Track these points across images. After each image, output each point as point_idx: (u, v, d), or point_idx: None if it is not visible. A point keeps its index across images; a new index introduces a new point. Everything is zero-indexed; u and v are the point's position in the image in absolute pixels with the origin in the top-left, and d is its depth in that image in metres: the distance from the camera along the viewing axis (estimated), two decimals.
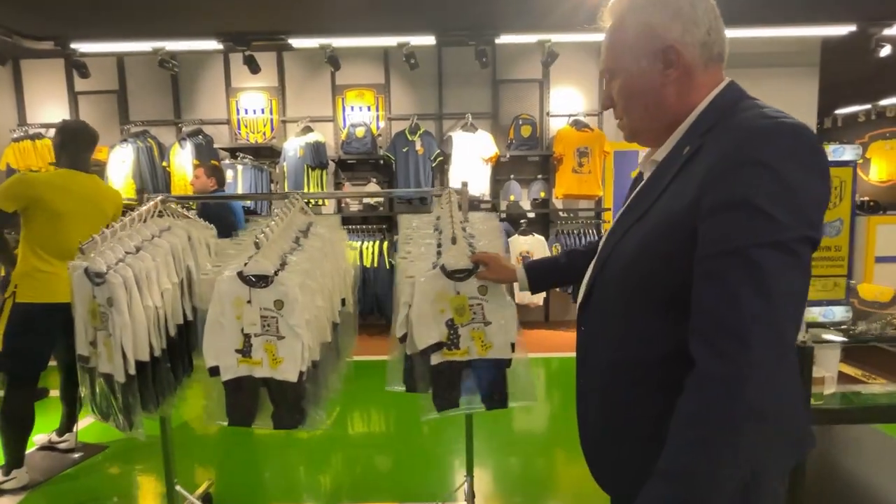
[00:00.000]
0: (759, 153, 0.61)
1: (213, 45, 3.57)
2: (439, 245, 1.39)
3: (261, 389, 1.30)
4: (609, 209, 4.92)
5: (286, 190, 4.55)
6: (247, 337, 1.28)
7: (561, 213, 4.93)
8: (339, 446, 2.50)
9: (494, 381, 1.29)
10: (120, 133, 4.68)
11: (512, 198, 4.75)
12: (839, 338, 1.36)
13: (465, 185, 1.83)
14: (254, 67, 3.73)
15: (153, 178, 4.50)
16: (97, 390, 1.37)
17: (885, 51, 3.60)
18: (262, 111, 4.84)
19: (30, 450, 2.39)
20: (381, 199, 4.75)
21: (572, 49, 4.50)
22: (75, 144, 2.26)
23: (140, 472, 2.31)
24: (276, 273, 1.26)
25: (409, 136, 4.56)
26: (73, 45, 3.58)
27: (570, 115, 4.76)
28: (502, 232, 1.50)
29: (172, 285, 1.46)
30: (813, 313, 2.33)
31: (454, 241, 1.29)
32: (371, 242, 4.47)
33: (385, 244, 4.57)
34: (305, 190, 4.49)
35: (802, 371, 1.23)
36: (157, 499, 2.08)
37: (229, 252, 1.42)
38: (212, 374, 1.29)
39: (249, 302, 1.27)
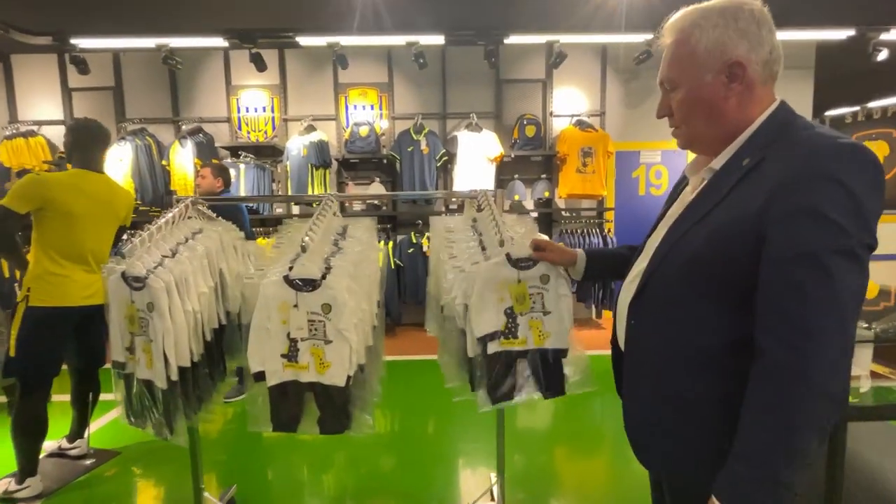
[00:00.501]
0: (828, 169, 0.69)
1: (216, 41, 3.50)
2: (483, 247, 1.39)
3: (306, 394, 1.28)
4: (611, 209, 4.98)
5: (289, 189, 4.50)
6: (293, 342, 1.26)
7: (564, 213, 4.97)
8: (360, 449, 2.48)
9: (552, 371, 1.29)
10: (117, 131, 4.57)
11: (516, 197, 4.77)
12: (867, 334, 1.40)
13: (518, 202, 1.81)
14: (261, 65, 3.68)
15: (153, 177, 4.41)
16: (134, 397, 1.34)
17: (883, 55, 3.69)
18: (264, 109, 4.77)
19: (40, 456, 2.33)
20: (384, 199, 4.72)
21: (576, 50, 4.52)
22: (87, 143, 2.21)
23: (155, 477, 2.27)
24: (323, 276, 1.25)
25: (414, 135, 4.54)
26: (73, 41, 3.48)
27: (573, 116, 4.79)
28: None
29: (209, 289, 1.44)
30: None
31: (502, 243, 1.29)
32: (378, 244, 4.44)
33: (390, 244, 4.55)
34: (309, 189, 4.44)
35: None
36: None
37: (269, 255, 1.40)
38: (257, 380, 1.27)
39: (296, 306, 1.25)
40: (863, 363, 1.38)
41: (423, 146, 4.52)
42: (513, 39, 3.58)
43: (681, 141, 0.91)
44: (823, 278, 0.67)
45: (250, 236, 3.10)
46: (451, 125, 4.89)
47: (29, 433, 2.04)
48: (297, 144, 4.46)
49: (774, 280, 0.70)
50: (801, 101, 4.98)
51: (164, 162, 4.45)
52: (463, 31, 3.50)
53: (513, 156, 4.71)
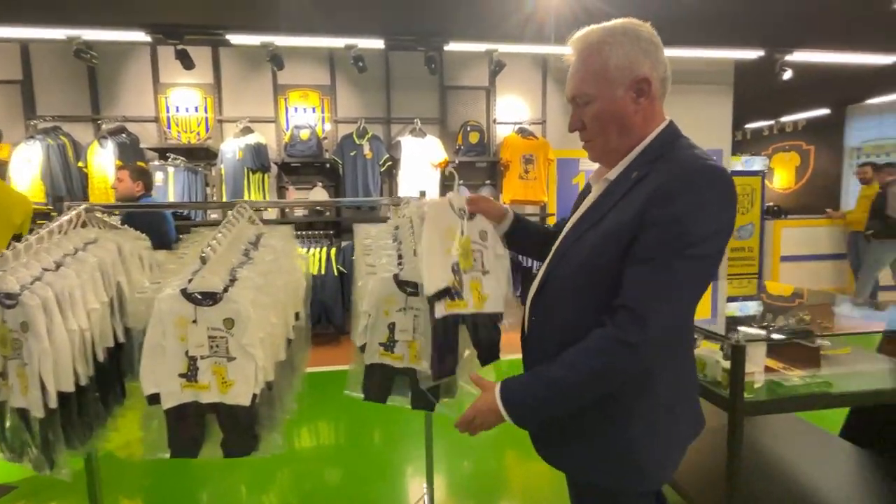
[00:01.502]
0: (690, 186, 0.80)
1: (138, 36, 3.27)
2: (400, 257, 1.37)
3: (208, 416, 1.20)
4: (553, 214, 5.12)
5: (224, 194, 4.28)
6: (192, 360, 1.17)
7: None
8: (287, 463, 2.38)
9: (489, 337, 1.15)
10: (25, 129, 4.17)
11: (450, 169, 4.80)
12: (762, 334, 1.50)
13: (423, 194, 1.80)
14: (187, 63, 3.47)
15: (67, 180, 4.05)
16: (8, 429, 1.20)
17: (787, 75, 4.06)
18: (196, 109, 4.52)
19: None
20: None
21: (518, 59, 4.63)
22: None
23: None
24: (225, 289, 1.17)
25: (357, 139, 4.47)
26: None
27: (515, 123, 4.90)
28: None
29: (101, 304, 1.32)
30: (730, 308, 2.58)
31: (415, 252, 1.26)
32: (317, 249, 4.32)
33: (333, 251, 4.44)
34: (246, 194, 4.25)
35: (736, 367, 1.34)
36: None
37: (169, 267, 1.30)
38: (151, 403, 1.17)
39: (195, 321, 1.16)
40: (757, 360, 1.48)
41: (367, 151, 4.45)
42: (452, 46, 3.62)
43: (593, 154, 0.97)
44: (669, 277, 0.79)
45: (171, 245, 2.89)
46: (395, 130, 4.85)
47: None
48: (232, 147, 4.25)
49: (633, 271, 0.82)
50: (722, 115, 5.36)
51: (80, 164, 4.10)
52: (402, 37, 3.49)
53: (457, 161, 4.74)
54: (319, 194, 4.60)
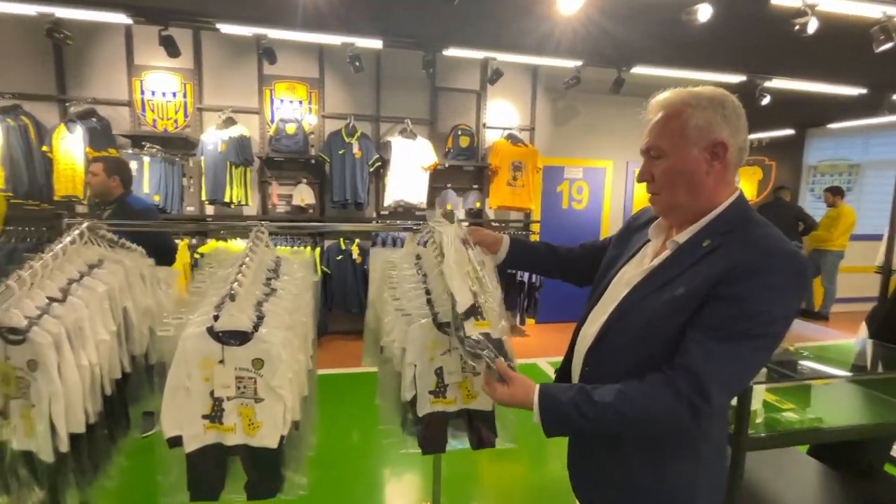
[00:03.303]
0: (767, 269, 0.83)
1: (118, 17, 3.04)
2: (428, 293, 1.35)
3: (230, 458, 1.15)
4: (538, 221, 5.19)
5: (203, 187, 4.08)
6: (217, 401, 1.12)
7: (493, 224, 5.09)
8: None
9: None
10: None
11: (448, 206, 4.78)
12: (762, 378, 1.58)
13: (451, 213, 1.71)
14: (172, 50, 3.26)
15: (29, 165, 3.74)
16: (7, 471, 1.11)
17: (766, 100, 4.26)
18: (174, 95, 4.27)
19: None
20: (311, 202, 4.48)
21: (510, 66, 4.63)
22: None
23: None
24: (255, 328, 1.13)
25: (346, 137, 4.35)
26: None
27: (505, 129, 4.91)
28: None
29: (110, 335, 1.24)
30: None
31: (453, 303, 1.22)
32: (301, 248, 4.20)
33: (317, 251, 4.33)
34: (227, 189, 4.07)
35: (743, 407, 1.42)
36: None
37: (191, 299, 1.24)
38: (172, 446, 1.11)
39: (222, 362, 1.11)
40: (758, 399, 1.56)
41: (356, 150, 4.35)
42: (452, 52, 3.57)
43: (658, 206, 1.00)
44: (734, 350, 0.83)
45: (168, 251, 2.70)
46: (384, 128, 4.76)
47: None
48: (213, 139, 4.05)
49: (695, 335, 0.85)
50: None
51: (44, 148, 3.79)
52: (403, 38, 3.41)
53: (447, 165, 4.71)
54: (304, 191, 4.47)
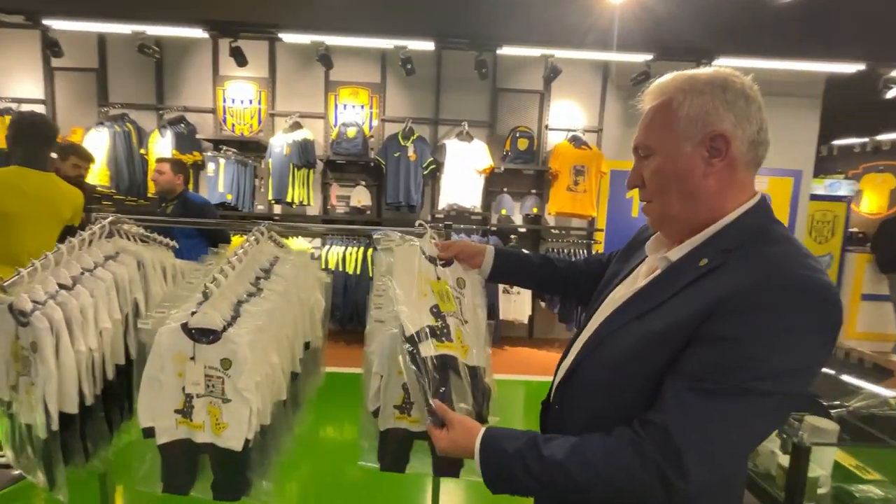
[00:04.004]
0: (776, 303, 0.62)
1: (196, 32, 3.35)
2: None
3: (201, 456, 1.15)
4: (602, 230, 4.83)
5: (270, 188, 4.37)
6: (188, 397, 1.13)
7: (553, 231, 4.83)
8: (305, 463, 2.36)
9: (477, 388, 1.02)
10: (97, 115, 4.44)
11: (503, 211, 4.63)
12: (834, 429, 1.26)
13: (420, 224, 1.52)
14: (240, 60, 3.53)
15: (129, 166, 4.28)
16: (17, 440, 1.22)
17: (892, 92, 3.54)
18: (251, 102, 4.63)
19: None
20: (368, 204, 4.59)
21: (575, 64, 4.36)
22: (31, 139, 2.08)
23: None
24: (224, 328, 1.12)
25: (402, 140, 4.40)
26: (46, 22, 3.34)
27: (569, 130, 4.63)
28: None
29: (113, 323, 1.31)
30: None
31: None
32: (355, 248, 4.32)
33: (370, 251, 4.42)
34: (290, 189, 4.31)
35: (797, 472, 1.13)
36: None
37: (181, 293, 1.27)
38: (146, 436, 1.14)
39: (193, 358, 1.12)
40: (824, 461, 1.25)
41: (411, 153, 4.37)
42: (506, 51, 3.43)
43: (651, 217, 0.81)
44: (721, 417, 0.63)
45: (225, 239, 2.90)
46: (442, 131, 4.74)
47: None
48: (280, 142, 4.32)
49: (673, 384, 0.66)
50: (808, 129, 4.81)
51: (142, 150, 4.32)
52: (455, 39, 3.35)
53: (503, 168, 4.56)
54: (362, 193, 4.60)
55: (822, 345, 0.63)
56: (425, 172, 4.45)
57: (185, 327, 1.12)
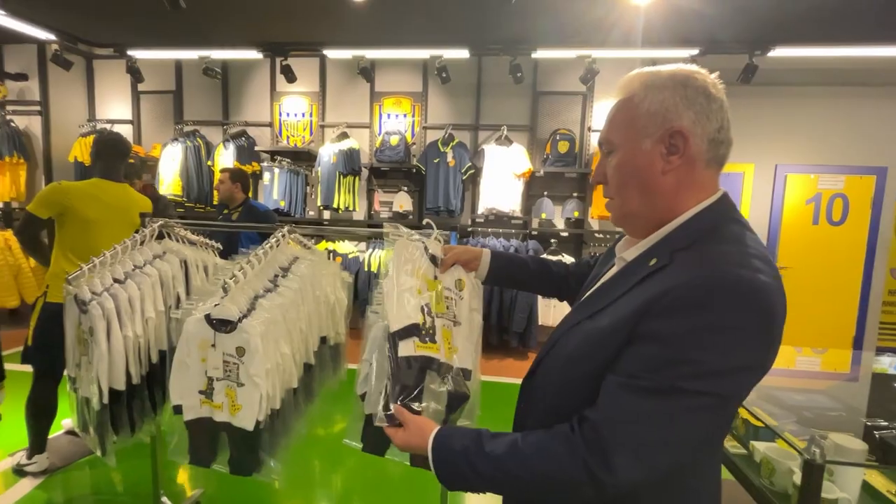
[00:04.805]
0: (709, 301, 0.61)
1: (252, 54, 3.67)
2: None
3: (221, 433, 1.29)
4: None
5: (318, 195, 4.65)
6: (210, 380, 1.27)
7: (597, 235, 4.69)
8: (338, 453, 2.50)
9: (458, 394, 1.03)
10: (173, 132, 4.98)
11: (543, 215, 4.58)
12: (858, 449, 1.16)
13: (428, 223, 1.67)
14: (290, 77, 3.83)
15: (199, 177, 4.75)
16: (79, 411, 1.43)
17: None
18: (303, 115, 4.96)
19: (57, 432, 2.59)
20: (409, 209, 4.74)
21: (616, 64, 4.23)
22: (109, 155, 2.40)
23: (139, 471, 2.43)
24: (240, 319, 1.25)
25: (441, 147, 4.50)
26: (130, 52, 3.82)
27: None
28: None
29: (157, 313, 1.50)
30: (881, 363, 2.07)
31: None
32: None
33: None
34: (336, 196, 4.56)
35: (809, 494, 1.05)
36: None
37: (210, 288, 1.43)
38: (176, 412, 1.30)
39: (214, 346, 1.26)
40: (851, 484, 1.15)
41: (450, 158, 4.46)
42: (540, 54, 3.42)
43: (613, 215, 0.82)
44: (653, 411, 0.62)
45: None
46: (482, 137, 4.79)
47: (38, 415, 2.27)
48: (328, 151, 4.59)
49: (610, 380, 0.67)
50: (891, 121, 4.30)
51: (209, 162, 4.78)
52: (489, 46, 3.40)
53: (543, 172, 4.52)
54: (403, 198, 4.75)
55: (759, 347, 0.61)
56: (464, 178, 4.52)
57: (207, 318, 1.26)
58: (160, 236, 1.71)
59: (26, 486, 2.21)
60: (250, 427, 1.25)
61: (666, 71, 0.73)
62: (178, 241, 1.77)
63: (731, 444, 1.45)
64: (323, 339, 1.63)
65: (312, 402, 1.55)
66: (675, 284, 0.63)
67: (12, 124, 4.66)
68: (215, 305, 1.28)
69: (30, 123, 4.89)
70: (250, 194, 3.51)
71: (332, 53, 3.60)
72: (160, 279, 1.54)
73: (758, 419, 1.41)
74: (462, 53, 3.49)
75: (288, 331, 1.35)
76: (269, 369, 1.26)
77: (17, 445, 2.45)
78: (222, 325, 1.26)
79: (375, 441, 1.24)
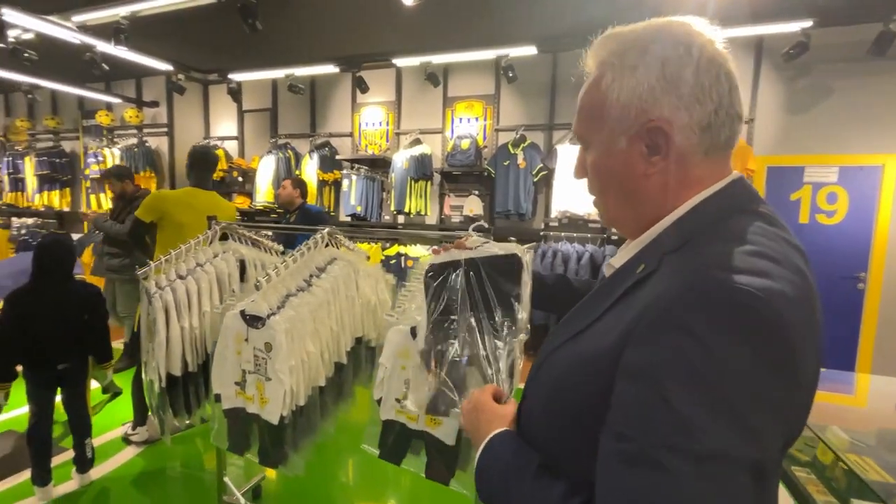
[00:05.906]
0: (696, 323, 0.44)
1: (329, 68, 3.92)
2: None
3: (253, 423, 1.36)
4: None
5: (392, 200, 4.80)
6: (244, 372, 1.35)
7: None
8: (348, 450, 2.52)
9: None
10: (269, 145, 5.51)
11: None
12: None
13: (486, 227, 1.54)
14: (363, 87, 4.02)
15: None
16: (147, 392, 1.61)
17: None
18: (380, 124, 5.18)
19: None
20: (479, 213, 4.68)
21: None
22: (200, 167, 2.71)
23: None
24: (268, 316, 1.30)
25: (511, 149, 4.39)
26: (230, 76, 4.31)
27: None
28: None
29: (212, 307, 1.63)
30: None
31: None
32: None
33: None
34: (407, 201, 4.67)
35: None
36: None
37: (251, 285, 1.52)
38: (216, 400, 1.40)
39: (247, 340, 1.33)
40: None
41: (520, 160, 4.32)
42: None
43: (600, 216, 0.69)
44: (645, 492, 0.43)
45: None
46: (557, 136, 4.57)
47: (140, 393, 2.62)
48: (401, 157, 4.72)
49: (604, 446, 0.49)
50: None
51: (297, 171, 5.19)
52: (557, 40, 3.24)
53: None
54: (473, 202, 4.72)
55: (767, 379, 0.43)
56: (536, 180, 4.34)
57: (242, 314, 1.34)
58: (224, 237, 1.87)
59: (130, 452, 2.56)
60: (275, 420, 1.29)
61: (638, 42, 0.56)
62: (240, 241, 1.93)
63: (823, 501, 1.16)
64: (358, 340, 1.64)
65: (344, 401, 1.57)
66: (655, 299, 0.49)
67: (146, 144, 5.53)
68: (252, 301, 1.36)
69: (160, 143, 5.76)
70: (331, 200, 3.74)
71: (400, 62, 3.70)
72: (217, 276, 1.67)
73: (864, 469, 1.12)
74: (529, 51, 3.36)
75: (315, 329, 1.37)
76: (292, 366, 1.29)
77: (130, 417, 2.85)
78: (254, 321, 1.32)
79: (392, 449, 1.21)
